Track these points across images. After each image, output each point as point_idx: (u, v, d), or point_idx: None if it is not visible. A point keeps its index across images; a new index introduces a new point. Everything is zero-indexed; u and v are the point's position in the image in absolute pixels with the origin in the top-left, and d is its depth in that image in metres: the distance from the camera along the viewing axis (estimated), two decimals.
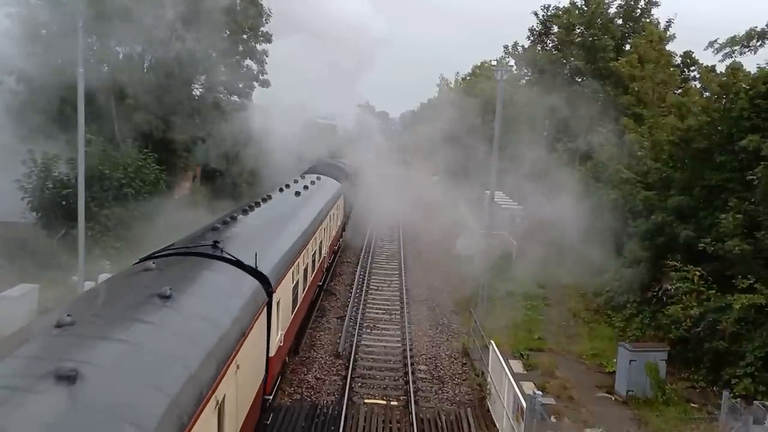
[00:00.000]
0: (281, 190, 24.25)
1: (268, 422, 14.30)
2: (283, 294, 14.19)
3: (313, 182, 28.58)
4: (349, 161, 44.78)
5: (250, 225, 16.30)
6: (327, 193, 28.36)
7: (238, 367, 9.55)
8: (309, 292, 19.88)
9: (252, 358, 11.04)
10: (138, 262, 11.76)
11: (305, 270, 18.34)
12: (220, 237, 13.24)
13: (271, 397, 13.93)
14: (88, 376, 6.09)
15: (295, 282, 16.23)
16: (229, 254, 12.25)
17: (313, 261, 20.65)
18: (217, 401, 8.28)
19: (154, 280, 9.80)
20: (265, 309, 12.25)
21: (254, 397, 11.55)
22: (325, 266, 26.06)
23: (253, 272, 12.17)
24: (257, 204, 19.30)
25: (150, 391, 6.57)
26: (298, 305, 17.07)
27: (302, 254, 17.52)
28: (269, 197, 21.33)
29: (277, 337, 13.69)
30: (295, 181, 27.87)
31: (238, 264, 12.05)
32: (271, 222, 17.48)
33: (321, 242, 22.98)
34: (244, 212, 17.39)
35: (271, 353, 13.07)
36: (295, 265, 16.04)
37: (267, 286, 12.40)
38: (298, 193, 23.75)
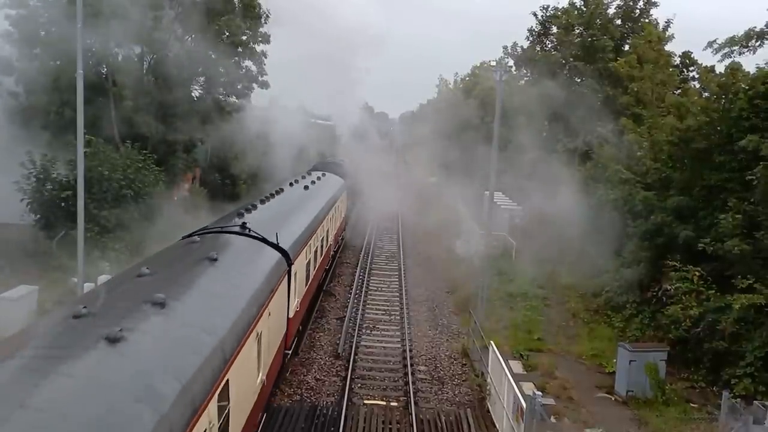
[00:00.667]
0: (291, 184, 26.76)
1: (267, 420, 14.35)
2: (299, 267, 16.89)
3: (318, 178, 30.93)
4: (350, 160, 47.17)
5: (269, 211, 18.94)
6: (332, 188, 30.59)
7: (269, 314, 12.49)
8: (318, 272, 22.65)
9: (277, 312, 13.83)
10: (184, 238, 14.55)
11: (315, 252, 21.09)
12: (245, 220, 15.77)
13: (290, 352, 16.71)
14: (173, 303, 8.78)
15: (308, 260, 19.05)
16: (256, 233, 14.89)
17: (322, 245, 23.20)
18: (258, 334, 11.21)
19: (201, 249, 12.51)
20: (286, 277, 14.89)
21: (278, 346, 14.41)
22: (331, 253, 28.46)
23: (276, 247, 14.84)
24: (272, 195, 22.14)
25: (217, 318, 9.48)
26: (310, 280, 19.92)
27: (313, 238, 20.22)
28: (282, 190, 24.02)
29: (294, 302, 16.39)
30: (303, 177, 30.04)
31: (263, 240, 14.75)
32: (286, 210, 20.36)
33: (328, 230, 25.41)
34: (262, 202, 20.16)
35: (291, 315, 15.88)
36: (307, 245, 18.80)
37: (287, 258, 15.09)
38: (306, 188, 26.27)
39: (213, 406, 7.98)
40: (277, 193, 23.11)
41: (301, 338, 20.08)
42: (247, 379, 10.61)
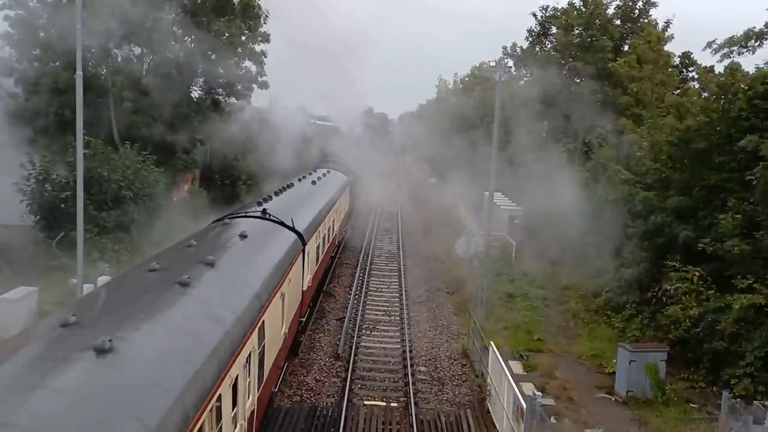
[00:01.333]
0: (299, 180, 29.15)
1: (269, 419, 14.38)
2: (311, 248, 19.70)
3: (324, 174, 33.46)
4: (353, 159, 50.72)
5: (283, 201, 21.41)
6: (336, 183, 33.43)
7: (289, 281, 15.33)
8: (326, 255, 25.86)
9: (295, 282, 16.95)
10: (215, 222, 17.55)
11: (323, 238, 24.05)
12: (265, 207, 18.22)
13: (303, 320, 19.74)
14: (219, 264, 11.56)
15: (317, 243, 21.91)
16: (276, 217, 17.50)
17: (329, 233, 26.15)
18: (282, 294, 14.20)
19: (232, 229, 15.36)
20: (301, 254, 17.59)
21: (295, 311, 17.45)
22: (336, 242, 31.02)
23: (292, 230, 17.43)
24: (284, 189, 24.68)
25: (252, 276, 12.33)
26: (319, 261, 22.76)
27: (321, 225, 23.03)
28: (292, 185, 26.61)
29: (307, 278, 19.42)
30: (309, 174, 32.34)
31: (281, 223, 17.38)
32: (298, 200, 22.82)
33: (333, 221, 28.22)
34: (276, 194, 22.66)
35: (304, 288, 18.86)
36: (317, 231, 21.68)
37: (302, 239, 17.80)
38: (313, 183, 29.01)
39: (255, 335, 11.00)
40: (289, 187, 25.70)
41: (311, 314, 22.65)
42: (275, 325, 13.84)
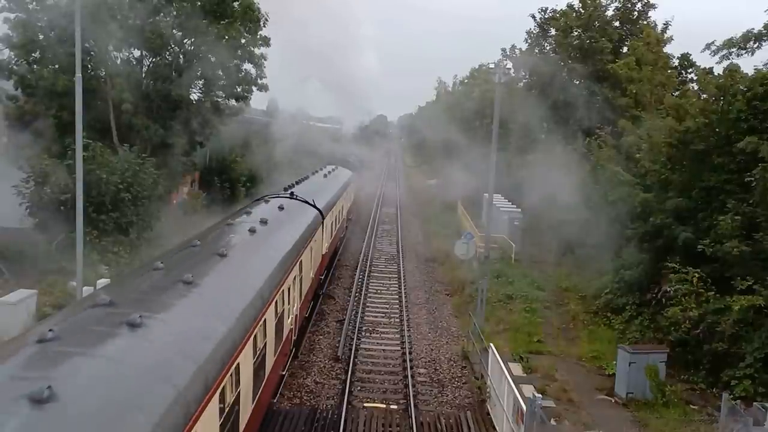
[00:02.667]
0: (313, 173, 36.37)
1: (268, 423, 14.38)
2: (327, 223, 25.73)
3: (333, 169, 41.20)
4: (356, 157, 60.95)
5: (304, 187, 27.48)
6: (344, 176, 40.77)
7: (315, 241, 21.39)
8: (337, 233, 31.73)
9: (318, 244, 22.68)
10: (255, 200, 23.61)
11: (336, 217, 30.38)
12: (291, 191, 24.38)
13: (322, 278, 25.87)
14: (271, 223, 17.03)
15: (332, 221, 28.21)
16: (301, 198, 23.49)
17: (339, 215, 32.56)
18: (310, 248, 19.79)
19: (272, 204, 21.03)
20: (321, 226, 23.42)
21: (317, 270, 22.90)
22: (345, 225, 37.57)
23: (314, 207, 23.30)
24: (303, 180, 31.57)
25: (293, 232, 17.56)
26: (333, 236, 29.00)
27: (334, 207, 29.36)
28: (308, 177, 33.64)
29: (325, 246, 25.25)
30: (321, 169, 39.70)
31: (306, 202, 23.31)
32: (315, 187, 28.96)
33: (342, 207, 34.69)
34: (297, 183, 29.04)
35: (323, 252, 24.95)
36: (331, 210, 27.84)
37: (321, 214, 23.71)
38: (325, 176, 36.72)
39: (296, 269, 16.66)
40: (305, 178, 32.51)
41: (326, 279, 27.81)
42: (308, 268, 19.68)
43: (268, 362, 12.66)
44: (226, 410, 8.93)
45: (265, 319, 11.88)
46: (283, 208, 20.10)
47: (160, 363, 7.39)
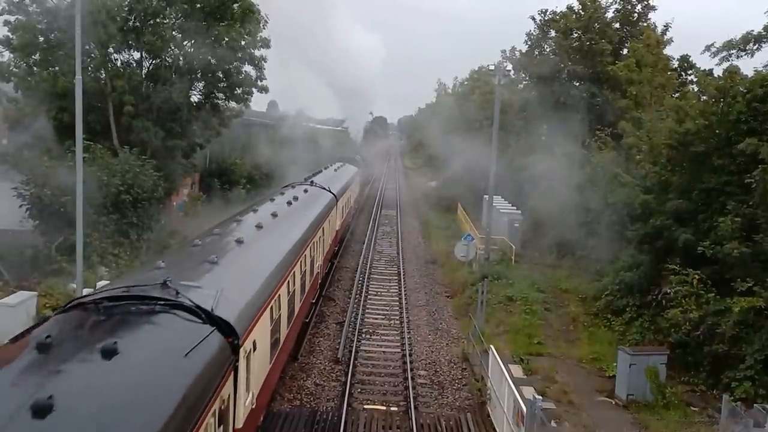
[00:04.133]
0: (325, 168, 42.72)
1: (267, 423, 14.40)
2: (340, 205, 32.27)
3: (342, 165, 48.99)
4: (360, 156, 70.84)
5: (320, 178, 33.47)
6: (351, 171, 48.48)
7: (332, 216, 28.05)
8: (346, 218, 38.38)
9: (333, 220, 28.73)
10: (284, 187, 29.63)
11: (346, 202, 37.39)
12: (311, 180, 31.36)
13: (336, 248, 32.53)
14: (301, 199, 24.31)
15: (343, 204, 34.78)
16: (319, 185, 30.10)
17: (348, 201, 39.77)
18: (329, 221, 26.73)
19: (298, 188, 27.79)
20: (335, 206, 29.60)
21: (333, 238, 29.24)
22: (353, 212, 45.89)
23: (330, 192, 29.91)
24: (318, 172, 37.89)
25: (317, 208, 24.67)
26: (344, 216, 36.14)
27: (345, 193, 36.52)
28: (321, 171, 39.68)
29: (338, 222, 31.95)
30: (332, 164, 47.36)
31: (322, 188, 29.68)
32: (329, 178, 35.45)
33: (350, 196, 41.63)
34: (314, 175, 34.78)
35: (337, 227, 31.25)
36: (343, 195, 34.73)
37: (335, 197, 30.27)
38: (336, 170, 43.75)
39: (320, 232, 23.01)
40: (319, 172, 38.51)
41: (338, 251, 34.06)
42: (327, 234, 25.99)
43: (306, 285, 19.44)
44: (290, 295, 15.67)
45: (305, 255, 18.82)
46: (307, 191, 27.10)
47: (255, 269, 13.24)
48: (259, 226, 16.57)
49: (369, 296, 27.98)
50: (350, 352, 20.77)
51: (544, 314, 25.98)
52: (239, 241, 14.26)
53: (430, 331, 23.92)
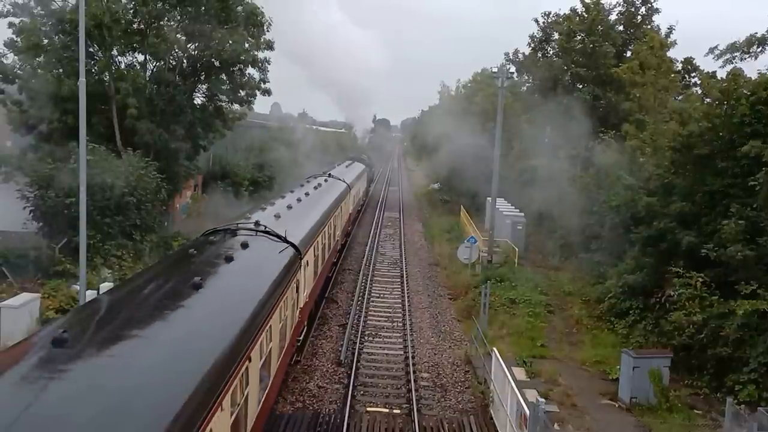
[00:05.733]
0: (338, 165, 48.96)
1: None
2: (352, 194, 38.59)
3: (351, 162, 55.39)
4: (367, 155, 77.69)
5: (335, 172, 39.81)
6: (359, 168, 53.41)
7: (344, 204, 33.75)
8: (356, 205, 44.71)
9: (346, 206, 35.17)
10: (308, 178, 35.18)
11: (355, 194, 42.27)
12: (328, 173, 37.79)
13: (350, 228, 40.40)
14: (322, 188, 31.03)
15: (353, 194, 39.93)
16: (335, 176, 37.06)
17: (358, 192, 46.69)
18: (340, 209, 31.27)
19: (318, 179, 34.02)
20: (349, 194, 36.27)
21: (347, 219, 35.95)
22: (361, 203, 53.24)
23: (344, 182, 36.61)
24: (333, 167, 44.17)
25: (335, 193, 31.54)
26: (354, 205, 41.57)
27: (356, 184, 42.94)
28: (335, 166, 46.29)
29: (351, 208, 38.26)
30: (342, 162, 54.26)
31: (338, 179, 36.49)
32: (342, 172, 41.87)
33: (359, 189, 48.44)
34: (330, 170, 40.78)
35: (350, 212, 38.62)
36: (354, 186, 41.01)
37: (349, 187, 36.93)
38: (347, 166, 49.96)
39: (338, 211, 29.77)
40: (334, 167, 44.86)
41: (351, 232, 40.69)
42: (344, 213, 33.37)
43: (331, 245, 25.97)
44: (325, 241, 23.32)
45: (331, 222, 25.58)
46: (327, 181, 33.78)
47: (303, 221, 20.18)
48: (299, 199, 24.20)
49: (372, 298, 27.97)
50: (353, 354, 20.76)
51: (547, 317, 25.95)
52: (289, 207, 21.65)
53: (433, 334, 23.90)
